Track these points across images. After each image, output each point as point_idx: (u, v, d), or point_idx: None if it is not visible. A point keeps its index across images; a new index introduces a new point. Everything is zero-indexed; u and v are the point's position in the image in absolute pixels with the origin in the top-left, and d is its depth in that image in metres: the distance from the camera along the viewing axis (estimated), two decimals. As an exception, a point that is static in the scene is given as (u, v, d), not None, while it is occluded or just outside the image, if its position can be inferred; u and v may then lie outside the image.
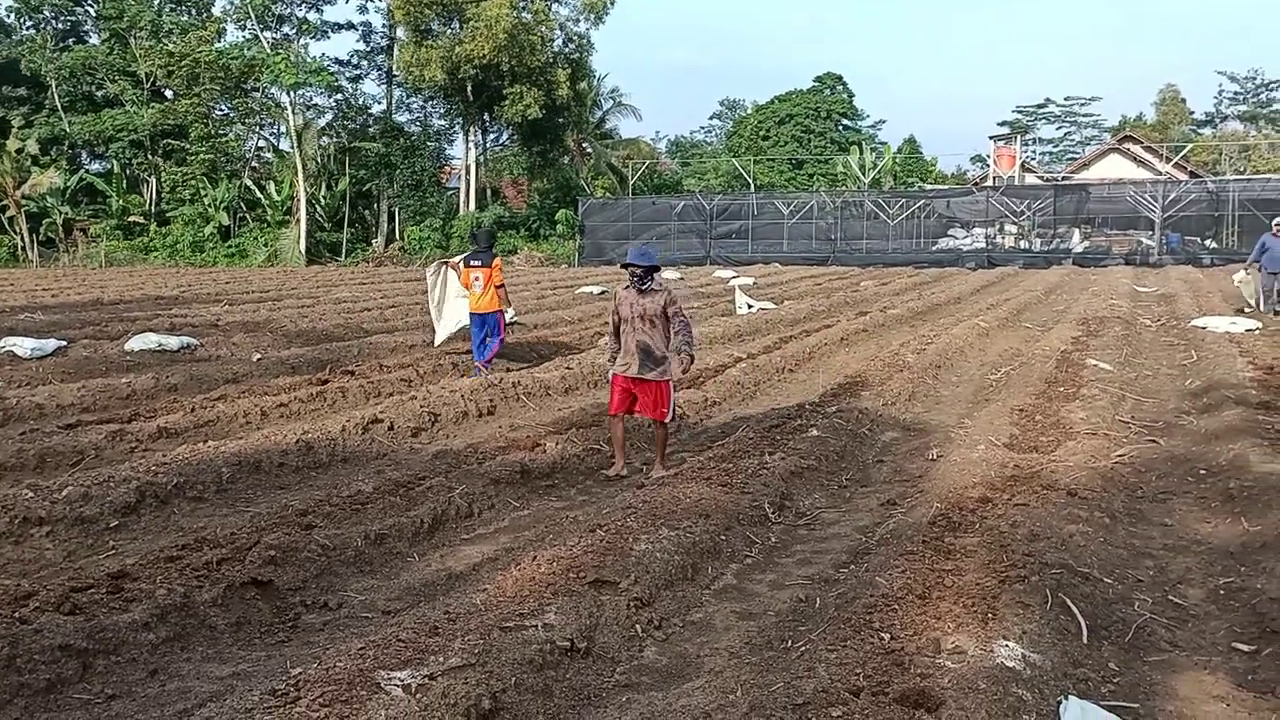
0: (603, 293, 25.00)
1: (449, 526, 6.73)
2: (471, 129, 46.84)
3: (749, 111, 73.95)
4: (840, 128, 66.19)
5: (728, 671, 4.40)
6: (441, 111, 49.25)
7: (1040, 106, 77.74)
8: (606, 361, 8.39)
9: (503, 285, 12.28)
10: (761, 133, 65.29)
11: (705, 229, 42.88)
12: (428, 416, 9.70)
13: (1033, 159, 59.20)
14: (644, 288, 7.82)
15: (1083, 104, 76.83)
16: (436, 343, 13.79)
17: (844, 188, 49.80)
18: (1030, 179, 49.51)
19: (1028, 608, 4.59)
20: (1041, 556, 5.22)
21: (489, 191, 49.68)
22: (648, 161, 53.27)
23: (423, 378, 12.03)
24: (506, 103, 42.23)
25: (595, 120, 52.53)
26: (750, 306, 19.87)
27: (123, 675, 4.34)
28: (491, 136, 50.47)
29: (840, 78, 67.92)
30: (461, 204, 47.10)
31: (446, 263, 13.45)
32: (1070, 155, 71.46)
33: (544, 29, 42.88)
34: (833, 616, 4.80)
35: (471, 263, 12.28)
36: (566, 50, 45.86)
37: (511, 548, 6.29)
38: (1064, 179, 50.96)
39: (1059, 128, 78.68)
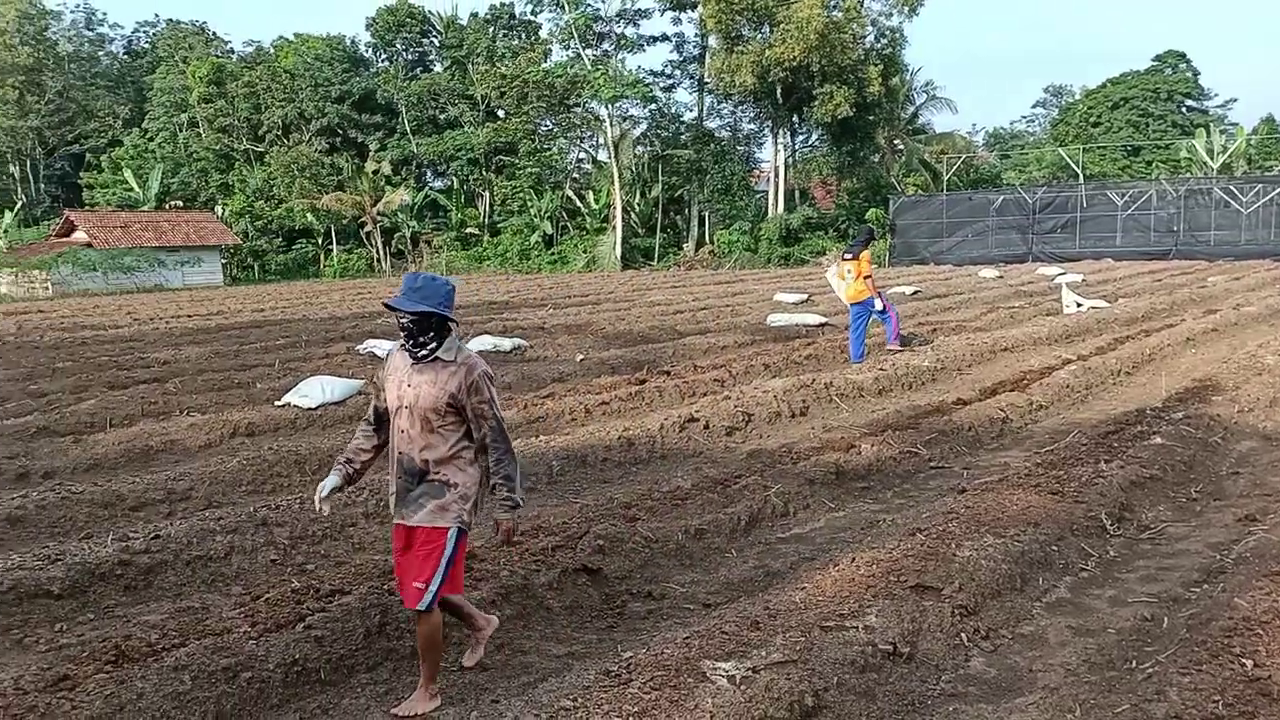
0: (915, 293, 24.31)
1: (765, 524, 6.81)
2: (780, 131, 47.02)
3: (1077, 98, 69.27)
4: (1183, 110, 60.49)
5: (1064, 689, 4.15)
6: (751, 115, 49.80)
7: None
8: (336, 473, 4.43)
9: (869, 276, 13.49)
10: (1092, 119, 60.95)
11: (1027, 224, 40.59)
12: (741, 416, 9.85)
13: None
14: (420, 355, 4.18)
15: None
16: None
17: (1188, 175, 45.53)
18: None
19: None
20: None
21: (798, 193, 49.67)
22: (963, 156, 51.20)
23: (735, 378, 12.22)
24: (816, 103, 42.04)
25: (907, 116, 51.11)
26: (1080, 305, 18.64)
27: (473, 647, 4.73)
28: (800, 138, 50.42)
29: (1183, 55, 62.07)
30: (770, 206, 47.40)
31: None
32: None
33: (855, 26, 42.28)
34: (1184, 638, 4.42)
35: (845, 257, 13.75)
36: (878, 46, 45.00)
37: (828, 548, 6.27)
38: None
39: None
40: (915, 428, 9.16)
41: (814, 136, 50.11)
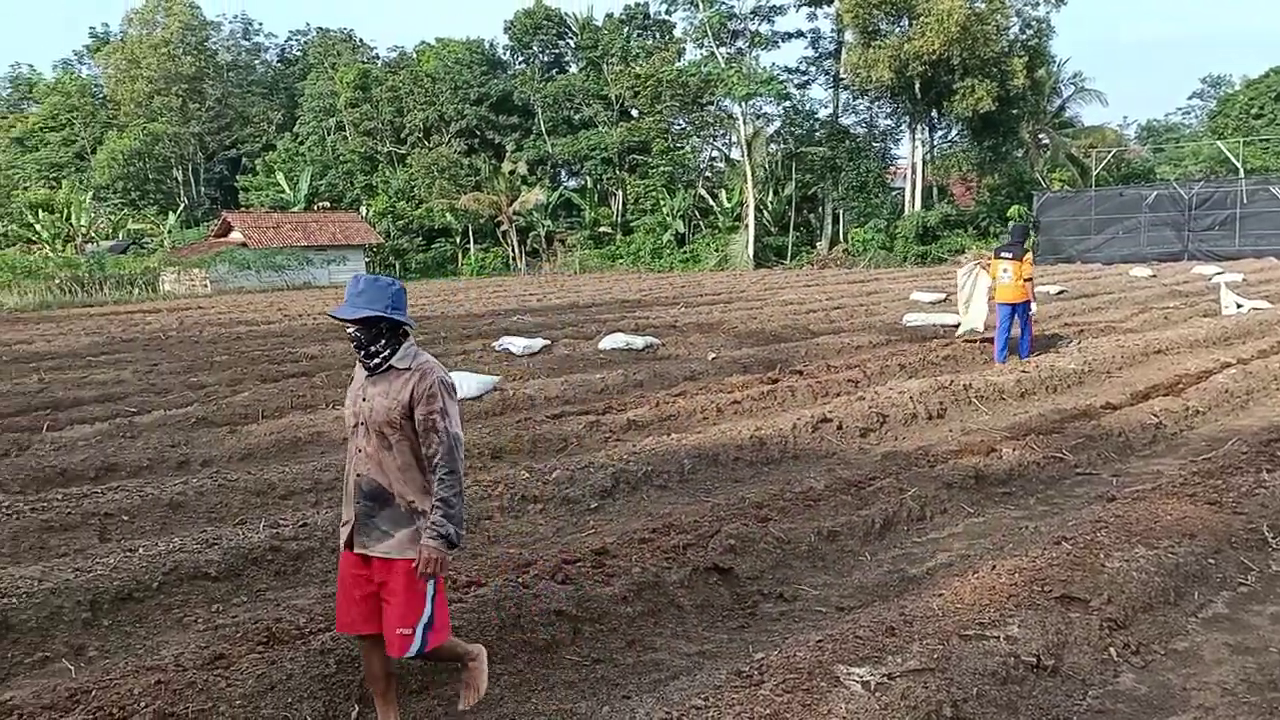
0: (1061, 292, 23.42)
1: (900, 528, 6.66)
2: (918, 126, 45.93)
3: (1237, 88, 65.55)
4: (1355, 99, 56.57)
5: (1220, 709, 3.93)
6: (888, 111, 48.79)
7: None
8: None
9: (1031, 279, 12.90)
10: (1253, 110, 57.58)
11: (1183, 221, 38.57)
12: (876, 417, 9.66)
13: None
14: (373, 365, 3.79)
15: None
16: (959, 334, 14.60)
17: (1361, 167, 42.56)
18: None
19: None
20: None
21: (935, 190, 48.44)
22: (1113, 150, 49.05)
23: (870, 379, 12.00)
24: (956, 97, 40.90)
25: (1053, 109, 49.27)
26: (1240, 306, 17.66)
27: (605, 643, 4.77)
28: (939, 133, 49.11)
29: (1357, 39, 58.01)
30: (906, 204, 46.38)
31: (980, 262, 14.00)
32: None
33: (999, 17, 40.94)
34: (1358, 663, 4.13)
35: (1002, 255, 13.06)
36: (1023, 37, 43.49)
37: (967, 554, 6.09)
38: None
39: None
40: (1060, 432, 8.83)
41: (954, 131, 48.71)
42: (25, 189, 56.59)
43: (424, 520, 3.69)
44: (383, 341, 3.73)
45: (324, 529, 6.23)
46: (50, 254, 47.09)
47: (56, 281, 43.30)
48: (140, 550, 5.79)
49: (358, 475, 3.77)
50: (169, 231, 53.60)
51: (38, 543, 6.37)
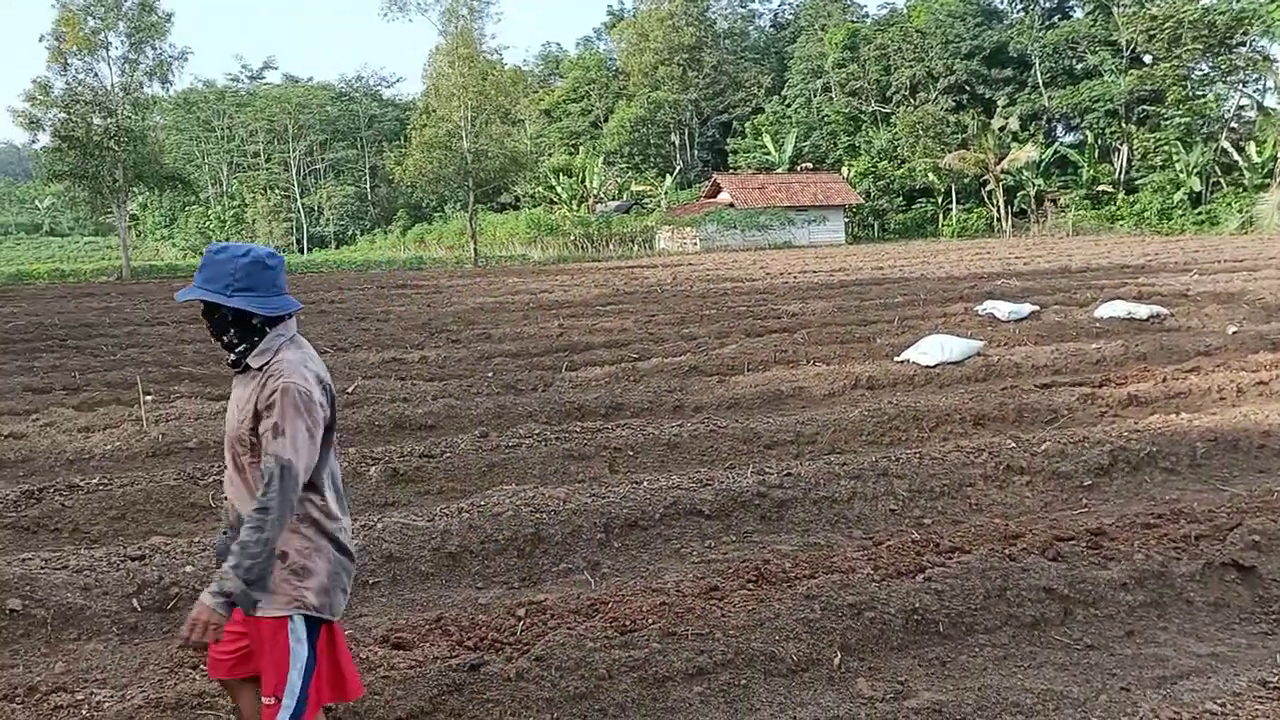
0: None
1: None
2: None
3: None
4: None
5: None
6: None
7: None
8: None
9: None
10: None
11: None
12: None
13: None
14: (230, 362, 2.96)
15: None
16: None
17: None
18: None
19: None
20: None
21: None
22: None
23: None
24: None
25: None
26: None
27: (1100, 629, 4.44)
28: None
29: None
30: None
31: None
32: None
33: None
34: None
35: None
36: None
37: None
38: None
39: None
40: None
41: None
42: (550, 155, 63.91)
43: (282, 567, 2.85)
44: (232, 332, 2.89)
45: (806, 481, 6.43)
46: (567, 213, 52.99)
47: (571, 238, 48.72)
48: (644, 484, 6.37)
49: (226, 499, 3.02)
50: (665, 192, 57.85)
51: (560, 468, 7.23)
